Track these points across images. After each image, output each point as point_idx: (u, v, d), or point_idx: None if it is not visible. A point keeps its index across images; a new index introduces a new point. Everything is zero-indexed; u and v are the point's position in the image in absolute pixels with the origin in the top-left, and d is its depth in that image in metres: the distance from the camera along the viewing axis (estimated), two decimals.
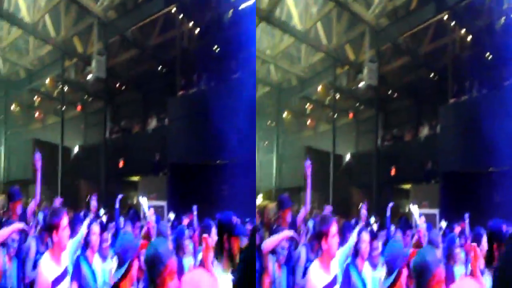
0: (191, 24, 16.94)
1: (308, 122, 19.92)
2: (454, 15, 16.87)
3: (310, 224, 7.75)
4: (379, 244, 7.10)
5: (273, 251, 7.15)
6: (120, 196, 8.40)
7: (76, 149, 18.23)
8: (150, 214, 7.42)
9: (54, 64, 18.50)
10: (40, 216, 7.95)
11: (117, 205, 8.35)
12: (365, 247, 6.62)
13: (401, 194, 17.83)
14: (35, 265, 7.09)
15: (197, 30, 16.84)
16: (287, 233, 7.04)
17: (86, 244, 6.55)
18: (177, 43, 17.22)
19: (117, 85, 18.14)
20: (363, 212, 9.99)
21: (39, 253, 7.16)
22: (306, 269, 7.01)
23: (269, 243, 6.97)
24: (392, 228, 9.14)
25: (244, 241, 8.23)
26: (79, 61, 18.14)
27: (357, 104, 19.38)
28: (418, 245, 7.92)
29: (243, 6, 15.40)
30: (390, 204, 9.04)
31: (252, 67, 14.77)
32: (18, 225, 6.50)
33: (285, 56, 19.49)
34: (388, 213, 8.88)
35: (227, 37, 15.41)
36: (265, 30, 18.60)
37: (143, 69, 17.92)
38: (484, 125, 14.35)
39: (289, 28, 18.32)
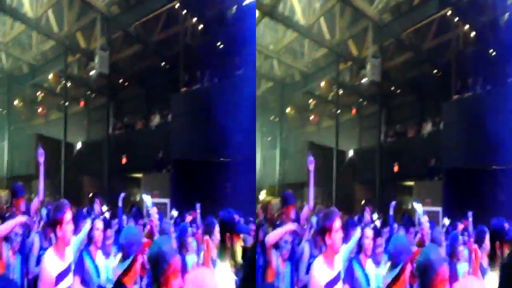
0: (194, 20, 16.90)
1: (311, 117, 19.90)
2: (457, 11, 16.82)
3: (314, 219, 7.73)
4: (382, 241, 7.09)
5: (277, 246, 7.15)
6: (123, 195, 8.38)
7: (79, 145, 18.22)
8: (153, 212, 7.41)
9: (57, 59, 18.49)
10: (44, 212, 7.94)
11: (120, 204, 8.33)
12: (368, 243, 6.63)
13: (404, 190, 17.81)
14: (38, 261, 7.09)
15: (201, 26, 16.80)
16: (290, 226, 7.04)
17: (89, 239, 6.56)
18: (181, 39, 17.18)
19: (120, 81, 18.11)
20: (367, 216, 9.96)
21: (42, 249, 7.16)
22: (309, 265, 7.01)
23: (272, 236, 6.97)
24: (395, 226, 9.13)
25: (249, 240, 8.24)
26: (82, 56, 18.11)
27: (360, 100, 19.35)
28: (421, 244, 7.90)
29: (246, 1, 15.36)
30: (393, 203, 9.02)
31: (254, 64, 14.74)
32: (22, 218, 6.53)
33: (288, 51, 19.46)
34: (391, 212, 8.86)
35: (230, 33, 15.35)
36: (268, 25, 18.57)
37: (146, 65, 17.88)
38: (488, 121, 14.33)
39: (292, 23, 18.29)
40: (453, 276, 6.29)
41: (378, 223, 10.44)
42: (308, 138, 19.28)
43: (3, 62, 19.20)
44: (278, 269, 7.18)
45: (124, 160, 16.93)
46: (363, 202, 18.20)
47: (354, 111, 19.25)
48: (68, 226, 4.94)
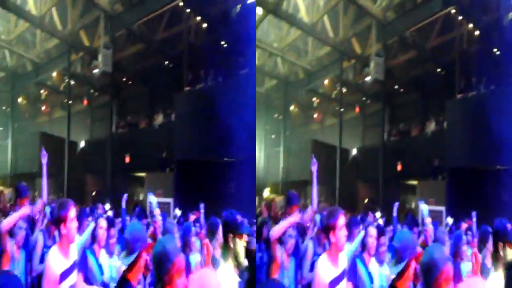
0: (198, 18, 16.89)
1: (315, 115, 19.90)
2: (461, 9, 16.80)
3: (317, 217, 7.73)
4: (386, 240, 7.08)
5: (281, 242, 7.14)
6: (125, 196, 8.38)
7: (82, 144, 18.23)
8: (157, 214, 7.41)
9: (61, 57, 18.52)
10: (47, 210, 7.96)
11: (123, 205, 8.33)
12: (372, 241, 6.61)
13: (407, 189, 17.80)
14: (42, 259, 7.10)
15: (205, 25, 16.79)
16: (295, 218, 7.02)
17: (93, 238, 6.56)
18: (184, 38, 17.17)
19: (124, 79, 18.12)
20: (370, 218, 9.95)
21: (46, 247, 7.17)
22: (313, 262, 7.02)
23: (277, 230, 6.96)
24: (398, 226, 9.12)
25: (254, 242, 8.24)
26: (85, 54, 18.13)
27: (364, 98, 19.34)
28: (425, 245, 7.90)
29: (251, 0, 15.34)
30: (396, 204, 9.01)
31: (254, 63, 14.73)
32: (26, 210, 6.53)
33: (292, 49, 19.46)
34: (395, 213, 8.85)
35: (235, 32, 15.33)
36: (272, 22, 18.58)
37: (150, 64, 17.87)
38: (492, 121, 14.31)
39: (296, 21, 18.29)
40: (457, 276, 6.29)
41: (381, 221, 10.45)
42: (312, 136, 19.28)
43: (7, 60, 19.24)
44: (282, 265, 7.17)
45: (127, 159, 16.93)
46: (366, 200, 18.21)
47: (357, 109, 19.24)
48: (72, 223, 4.94)
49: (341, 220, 4.78)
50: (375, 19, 17.89)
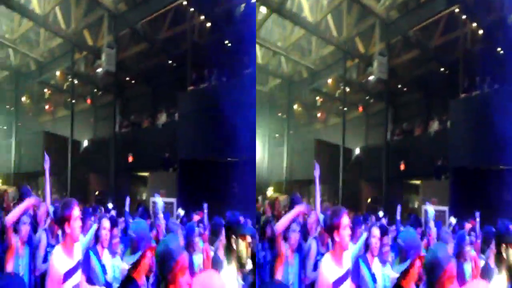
0: (202, 17, 16.87)
1: (319, 115, 19.89)
2: (465, 8, 16.76)
3: (321, 217, 7.72)
4: (388, 240, 7.07)
5: (285, 238, 7.14)
6: (128, 199, 8.36)
7: (85, 143, 18.25)
8: (161, 217, 7.41)
9: (64, 56, 18.54)
10: (50, 209, 7.96)
11: (127, 208, 8.33)
12: (375, 242, 6.60)
13: (410, 189, 17.79)
14: (45, 258, 7.11)
15: (209, 24, 16.77)
16: (299, 208, 7.00)
17: (96, 238, 6.56)
18: (188, 37, 17.16)
19: (127, 78, 18.13)
20: (373, 219, 9.94)
21: (49, 246, 7.18)
22: (316, 262, 7.01)
23: (281, 223, 6.94)
24: (402, 228, 9.10)
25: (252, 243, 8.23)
26: (89, 54, 18.14)
27: (367, 98, 19.32)
28: (427, 248, 7.89)
29: None
30: (399, 207, 8.99)
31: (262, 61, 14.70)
32: (31, 200, 6.53)
33: (296, 48, 19.45)
34: (398, 216, 8.84)
35: (239, 31, 15.31)
36: (276, 21, 18.58)
37: (153, 63, 17.87)
38: (496, 120, 14.26)
39: (300, 20, 18.28)
40: (460, 276, 6.28)
41: (384, 221, 10.43)
42: (315, 136, 19.27)
43: (11, 59, 19.28)
44: (287, 260, 7.17)
45: (130, 159, 16.93)
46: (369, 200, 18.19)
47: (360, 108, 19.23)
48: (76, 223, 4.94)
49: (345, 219, 4.78)
50: (379, 18, 17.88)
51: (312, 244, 7.45)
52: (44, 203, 7.97)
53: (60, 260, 4.91)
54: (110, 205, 10.99)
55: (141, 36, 17.80)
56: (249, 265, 4.59)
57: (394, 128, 18.41)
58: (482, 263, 6.54)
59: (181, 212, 10.38)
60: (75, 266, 4.99)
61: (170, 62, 17.49)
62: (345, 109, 18.85)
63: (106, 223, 6.72)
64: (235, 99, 14.15)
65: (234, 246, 4.46)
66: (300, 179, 17.75)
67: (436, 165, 16.78)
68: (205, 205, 8.43)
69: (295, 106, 19.98)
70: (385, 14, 17.84)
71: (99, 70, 17.39)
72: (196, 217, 9.51)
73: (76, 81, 18.42)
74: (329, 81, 19.54)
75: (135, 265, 4.16)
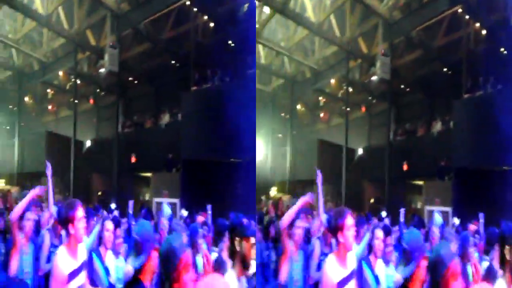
0: (205, 17, 16.85)
1: (322, 115, 19.89)
2: (468, 9, 16.73)
3: (324, 217, 7.72)
4: (392, 240, 7.06)
5: (290, 235, 7.13)
6: (132, 202, 8.35)
7: (88, 143, 18.25)
8: (164, 221, 7.41)
9: (67, 56, 18.56)
10: (54, 209, 7.97)
11: (130, 210, 8.32)
12: (378, 244, 6.59)
13: (413, 189, 17.77)
14: (49, 258, 7.11)
15: (212, 24, 16.75)
16: (304, 199, 6.99)
17: (99, 240, 6.56)
18: (191, 37, 17.14)
19: (130, 79, 18.12)
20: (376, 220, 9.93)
21: (53, 246, 7.18)
22: (320, 262, 7.00)
23: (286, 218, 6.93)
24: (405, 230, 9.08)
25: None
26: (92, 54, 18.15)
27: (370, 98, 19.31)
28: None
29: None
30: (402, 210, 8.98)
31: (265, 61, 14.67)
32: (35, 191, 6.53)
33: (299, 48, 19.46)
34: (402, 219, 8.82)
35: (242, 31, 15.30)
36: (280, 22, 18.59)
37: (156, 63, 17.83)
38: (499, 121, 14.24)
39: (303, 20, 18.29)
40: (463, 278, 6.26)
41: (387, 221, 10.42)
42: (318, 136, 19.27)
43: (14, 59, 19.31)
44: (292, 258, 7.17)
45: (133, 159, 16.92)
46: (372, 200, 18.18)
47: (363, 109, 19.22)
48: (80, 223, 4.95)
49: (349, 220, 4.77)
50: (382, 19, 17.88)
51: (316, 244, 7.45)
52: (46, 210, 7.97)
53: (64, 261, 4.91)
54: (113, 206, 10.98)
55: (144, 36, 17.80)
56: (253, 268, 4.58)
57: (397, 129, 18.39)
58: (486, 264, 6.53)
59: (185, 213, 10.36)
60: (80, 267, 4.99)
61: (173, 62, 17.47)
62: (348, 109, 18.83)
63: (109, 225, 6.72)
64: (238, 99, 14.13)
65: (238, 248, 4.46)
66: (303, 179, 17.73)
67: (439, 165, 16.75)
68: (209, 206, 8.41)
69: (298, 106, 19.99)
70: (388, 14, 17.84)
71: (102, 70, 17.40)
72: (200, 218, 9.50)
73: (79, 81, 18.44)
74: (332, 81, 19.54)
75: (141, 267, 4.16)
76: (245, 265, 4.47)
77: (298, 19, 18.28)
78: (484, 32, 16.78)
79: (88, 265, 6.03)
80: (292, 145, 19.57)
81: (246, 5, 15.67)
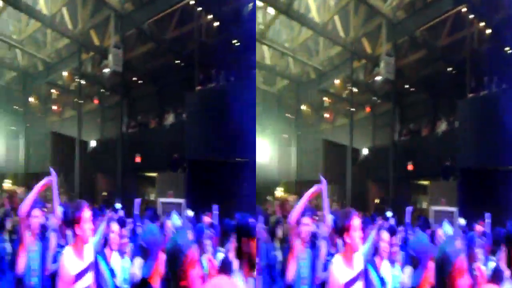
0: (210, 17, 16.84)
1: (326, 115, 19.88)
2: (472, 8, 16.72)
3: (329, 218, 7.71)
4: (397, 240, 7.05)
5: (297, 233, 7.12)
6: (138, 201, 8.35)
7: (93, 143, 18.26)
8: (169, 225, 7.41)
9: (71, 57, 18.58)
10: (59, 210, 7.97)
11: (136, 211, 8.32)
12: (384, 246, 6.58)
13: (418, 189, 17.75)
14: (55, 258, 7.12)
15: (216, 23, 16.73)
16: (311, 190, 6.97)
17: (104, 241, 6.55)
18: (195, 36, 17.12)
19: (134, 78, 18.12)
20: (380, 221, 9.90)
21: (59, 246, 7.19)
22: (326, 262, 7.00)
23: (294, 213, 6.92)
24: (410, 231, 9.07)
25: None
26: (96, 54, 18.17)
27: (374, 98, 19.29)
28: None
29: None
30: (409, 209, 8.95)
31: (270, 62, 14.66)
32: (43, 182, 6.53)
33: (304, 49, 19.46)
34: (408, 219, 8.80)
35: (247, 31, 15.29)
36: (284, 22, 18.60)
37: (160, 63, 17.82)
38: (504, 120, 14.22)
39: (307, 21, 18.29)
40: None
41: (392, 221, 10.41)
42: (323, 136, 19.28)
43: (18, 59, 19.34)
44: (299, 256, 7.16)
45: (138, 159, 16.92)
46: (377, 200, 18.17)
47: (368, 109, 19.21)
48: (87, 224, 4.96)
49: (356, 221, 4.79)
50: (385, 19, 17.88)
51: (322, 245, 7.45)
52: (52, 215, 7.98)
53: (71, 261, 4.93)
54: (118, 206, 11.00)
55: (148, 36, 17.79)
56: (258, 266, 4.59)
57: (401, 129, 18.38)
58: (492, 265, 6.51)
59: (190, 213, 10.36)
60: (86, 268, 5.01)
61: (177, 62, 17.46)
62: (353, 109, 18.84)
63: (115, 226, 6.71)
64: (243, 99, 14.12)
65: (245, 249, 4.46)
66: (309, 179, 17.73)
67: (444, 165, 16.73)
68: (215, 207, 8.40)
69: (303, 107, 19.98)
70: (392, 14, 17.84)
71: (106, 70, 17.41)
72: (206, 219, 9.49)
73: (83, 82, 18.44)
74: (337, 81, 19.54)
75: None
76: (252, 266, 4.48)
77: (302, 20, 18.29)
78: (488, 31, 16.77)
79: (94, 267, 6.04)
80: (297, 146, 19.57)
81: (251, 4, 15.66)
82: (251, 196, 13.21)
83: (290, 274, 6.99)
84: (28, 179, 17.58)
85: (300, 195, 7.16)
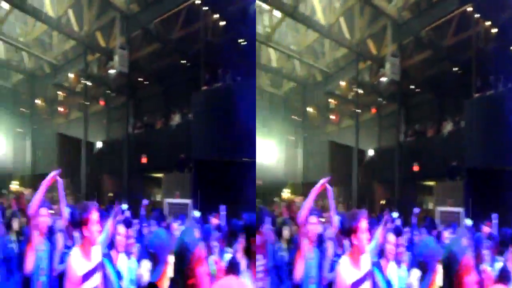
0: (216, 16, 16.80)
1: (332, 117, 19.88)
2: (478, 7, 16.67)
3: (336, 219, 7.71)
4: (403, 240, 7.04)
5: (304, 233, 7.13)
6: (145, 202, 8.37)
7: (99, 144, 18.29)
8: (175, 227, 7.42)
9: (77, 58, 18.62)
10: (66, 211, 7.99)
11: (143, 212, 8.33)
12: (390, 248, 6.57)
13: (424, 190, 17.72)
14: (62, 259, 7.14)
15: (222, 23, 16.69)
16: (314, 192, 6.97)
17: (111, 243, 6.56)
18: (201, 36, 17.09)
19: (140, 79, 18.12)
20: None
21: (66, 247, 7.21)
22: (333, 263, 7.00)
23: (302, 212, 6.92)
24: (416, 232, 9.06)
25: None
26: (101, 55, 18.20)
27: (380, 99, 19.27)
28: None
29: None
30: (416, 210, 8.95)
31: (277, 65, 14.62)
32: (53, 173, 6.55)
33: (310, 51, 19.47)
34: (414, 220, 8.80)
35: (253, 30, 15.27)
36: (290, 25, 18.61)
37: (166, 63, 17.78)
38: (510, 120, 14.18)
39: (313, 23, 18.30)
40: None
41: (398, 222, 10.40)
42: (329, 138, 19.27)
43: (25, 62, 19.41)
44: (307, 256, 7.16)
45: (144, 160, 16.93)
46: (383, 201, 18.14)
47: (373, 110, 19.18)
48: (94, 226, 4.98)
49: (363, 223, 4.81)
50: (391, 19, 17.86)
51: (329, 245, 7.45)
52: (59, 219, 8.00)
53: (78, 262, 4.95)
54: (124, 206, 11.02)
55: (154, 36, 17.77)
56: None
57: (407, 129, 18.35)
58: (500, 265, 6.51)
59: (197, 214, 10.36)
60: (94, 268, 5.03)
61: (183, 62, 17.42)
62: (358, 111, 18.83)
63: (121, 229, 6.71)
64: (249, 99, 14.09)
65: (253, 248, 4.47)
66: (315, 181, 17.72)
67: (450, 166, 16.68)
68: (222, 207, 8.41)
69: (310, 109, 19.97)
70: (397, 15, 17.82)
71: (112, 71, 17.44)
72: (214, 221, 9.49)
73: (89, 83, 18.48)
74: (342, 83, 19.53)
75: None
76: (259, 263, 4.50)
77: (308, 22, 18.29)
78: (494, 30, 16.72)
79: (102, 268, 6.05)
80: (304, 147, 19.57)
81: (256, 4, 15.65)
82: (259, 195, 13.15)
83: (298, 273, 7.00)
84: (35, 181, 17.60)
85: (306, 197, 7.16)
